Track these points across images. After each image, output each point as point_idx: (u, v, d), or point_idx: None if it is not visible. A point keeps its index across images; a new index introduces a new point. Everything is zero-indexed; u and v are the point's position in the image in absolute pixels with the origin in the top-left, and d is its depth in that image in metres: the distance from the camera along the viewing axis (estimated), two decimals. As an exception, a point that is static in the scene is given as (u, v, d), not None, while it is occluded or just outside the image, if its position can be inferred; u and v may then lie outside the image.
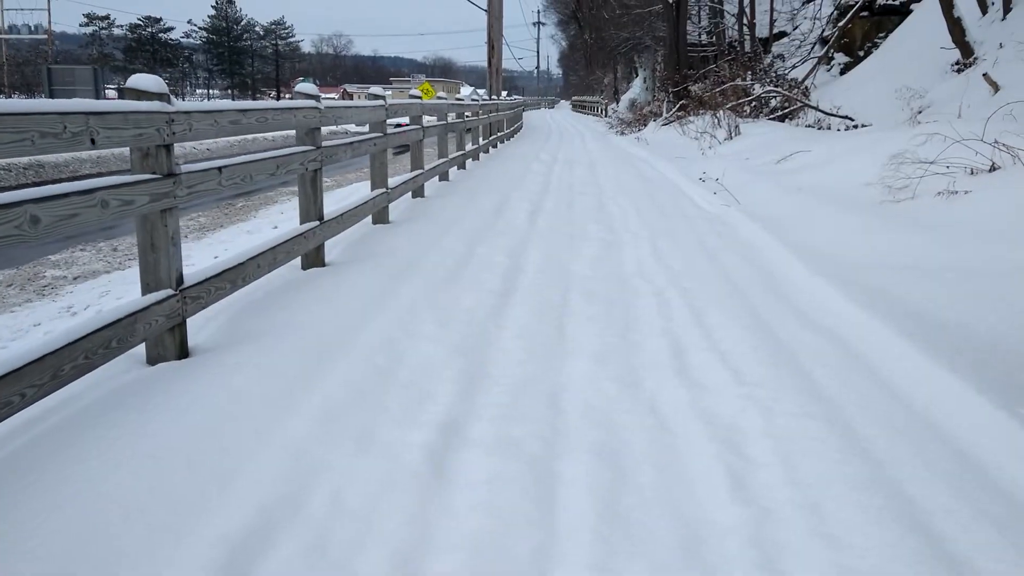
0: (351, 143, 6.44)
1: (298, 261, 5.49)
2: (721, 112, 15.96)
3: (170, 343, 3.69)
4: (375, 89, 7.46)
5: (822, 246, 5.68)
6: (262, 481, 2.45)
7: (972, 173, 6.22)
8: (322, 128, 5.61)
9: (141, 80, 3.58)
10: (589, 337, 4.09)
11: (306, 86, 5.49)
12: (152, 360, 3.68)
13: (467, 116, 14.55)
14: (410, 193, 9.26)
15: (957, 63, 15.62)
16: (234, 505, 2.31)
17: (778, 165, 9.64)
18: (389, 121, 7.62)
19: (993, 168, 6.14)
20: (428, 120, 10.25)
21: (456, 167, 13.01)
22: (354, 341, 3.82)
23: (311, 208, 5.56)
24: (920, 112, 15.24)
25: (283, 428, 2.83)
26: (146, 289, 3.64)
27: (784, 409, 3.03)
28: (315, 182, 5.55)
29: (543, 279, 5.36)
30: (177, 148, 3.75)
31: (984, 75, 13.05)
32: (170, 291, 3.62)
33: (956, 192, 5.98)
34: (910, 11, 21.68)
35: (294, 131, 5.49)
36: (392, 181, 8.48)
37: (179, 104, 3.65)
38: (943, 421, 2.93)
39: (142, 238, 3.63)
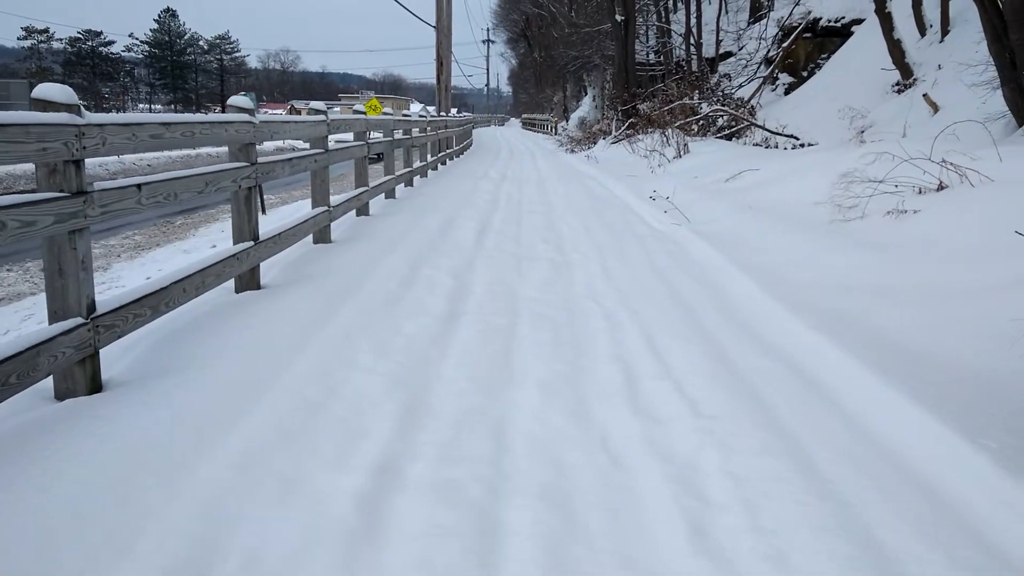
0: (289, 159, 6.15)
1: (231, 283, 5.19)
2: (670, 130, 16.02)
3: (80, 376, 3.36)
4: (316, 104, 7.19)
5: (775, 266, 5.57)
6: (166, 542, 2.16)
7: (920, 192, 6.20)
8: (265, 144, 5.32)
9: (48, 90, 3.27)
10: (537, 364, 3.88)
11: (239, 99, 5.20)
12: (60, 395, 3.35)
13: (415, 132, 14.32)
14: (354, 211, 8.99)
15: (897, 84, 15.95)
16: None
17: (728, 183, 9.61)
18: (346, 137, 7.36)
19: (941, 187, 6.12)
20: (374, 136, 9.99)
21: (403, 184, 12.76)
22: (284, 372, 3.54)
23: (245, 227, 5.25)
24: (863, 131, 15.47)
25: (196, 476, 2.54)
26: (53, 318, 3.32)
27: (744, 445, 2.85)
28: (249, 200, 5.25)
29: (489, 302, 5.13)
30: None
31: (924, 95, 13.32)
32: (80, 320, 3.30)
33: (905, 211, 5.94)
34: (851, 33, 22.18)
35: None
36: (335, 199, 8.20)
37: (90, 116, 3.34)
38: (909, 456, 2.77)
39: (48, 262, 3.31)
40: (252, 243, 5.21)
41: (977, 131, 10.13)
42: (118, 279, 8.69)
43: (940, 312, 4.19)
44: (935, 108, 12.94)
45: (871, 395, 3.20)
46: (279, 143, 33.68)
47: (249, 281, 5.27)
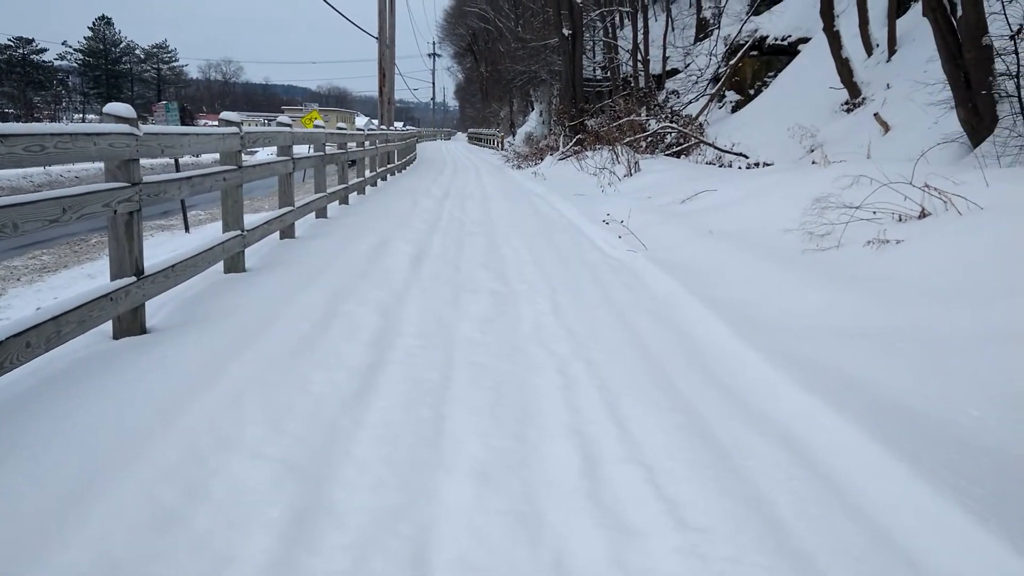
0: (189, 178, 5.27)
1: (108, 326, 4.29)
2: (619, 147, 15.46)
3: None
4: (228, 114, 6.32)
5: (748, 304, 4.89)
6: None
7: (901, 220, 5.62)
8: (202, 156, 4.45)
9: None
10: (473, 439, 3.09)
11: (116, 106, 4.32)
12: None
13: (352, 146, 13.45)
14: (278, 233, 8.10)
15: (846, 103, 15.69)
16: None
17: (684, 205, 8.98)
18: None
19: (923, 215, 5.54)
20: (299, 151, 9.14)
21: (338, 202, 11.89)
22: (136, 461, 2.68)
23: (126, 260, 4.36)
24: (813, 150, 15.16)
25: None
26: None
27: (749, 577, 2.11)
28: (131, 228, 4.36)
29: (420, 349, 4.34)
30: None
31: (875, 115, 12.99)
32: None
33: (887, 241, 5.33)
34: (798, 51, 22.06)
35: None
36: (253, 219, 7.32)
37: None
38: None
39: None
40: (134, 279, 4.32)
41: (933, 152, 9.76)
42: (7, 308, 7.65)
43: (946, 365, 3.55)
44: (886, 128, 12.62)
45: (897, 492, 2.49)
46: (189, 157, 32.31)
47: (130, 325, 4.38)
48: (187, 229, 12.32)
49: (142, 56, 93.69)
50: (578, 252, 7.44)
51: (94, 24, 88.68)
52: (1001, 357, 3.49)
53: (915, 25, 16.25)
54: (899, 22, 15.94)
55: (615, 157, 14.61)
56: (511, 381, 3.82)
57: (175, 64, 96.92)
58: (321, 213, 10.25)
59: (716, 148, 16.24)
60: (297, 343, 4.23)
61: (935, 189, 5.47)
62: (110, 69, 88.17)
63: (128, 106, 4.40)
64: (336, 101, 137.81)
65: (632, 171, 13.43)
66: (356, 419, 3.28)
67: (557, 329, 4.72)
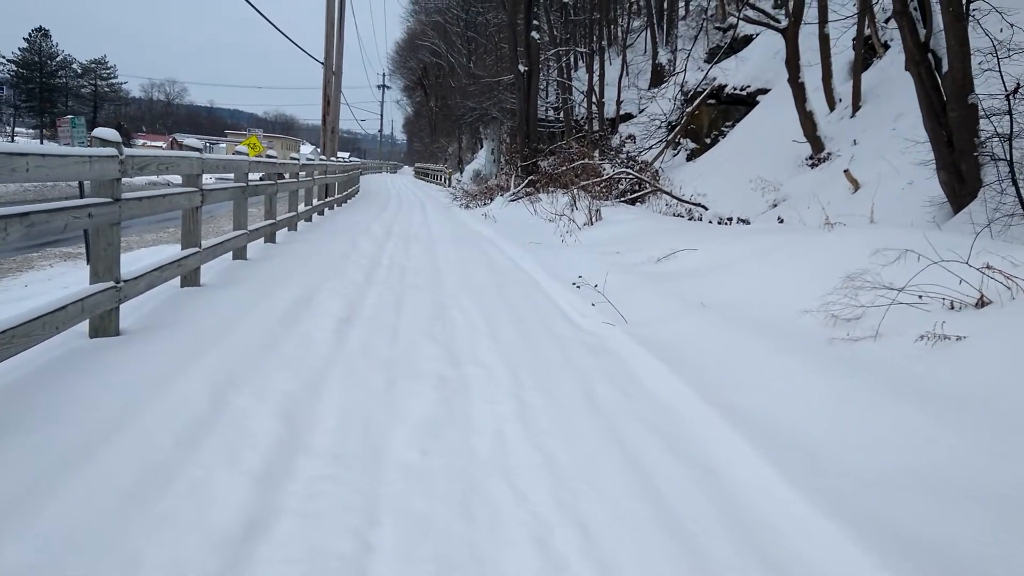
0: (24, 214, 3.80)
1: None
2: (576, 191, 14.34)
3: None
4: (103, 131, 4.88)
5: (779, 420, 3.64)
6: None
7: (954, 307, 4.48)
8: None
9: None
10: None
11: None
12: None
13: (285, 177, 12.03)
14: (179, 279, 6.63)
15: (810, 158, 14.99)
16: None
17: (660, 265, 7.79)
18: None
19: (982, 302, 4.41)
20: (209, 181, 7.71)
21: (263, 239, 10.42)
22: None
23: None
24: (776, 204, 14.35)
25: None
26: None
27: None
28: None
29: (331, 484, 2.96)
30: None
31: (845, 171, 12.18)
32: None
33: (946, 337, 4.17)
34: (757, 102, 21.51)
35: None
36: (151, 260, 5.87)
37: None
38: None
39: None
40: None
41: (909, 214, 8.89)
42: None
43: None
44: (856, 185, 11.83)
45: None
46: (152, 177, 30.00)
47: None
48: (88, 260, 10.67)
49: (79, 71, 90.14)
50: (542, 320, 6.14)
51: (30, 35, 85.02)
52: None
53: (880, 81, 15.70)
54: (863, 76, 15.39)
55: (573, 202, 13.46)
56: (464, 559, 2.47)
57: (114, 81, 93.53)
58: (240, 254, 8.78)
59: (675, 197, 15.27)
60: (144, 473, 2.81)
61: (1000, 272, 4.36)
62: (44, 83, 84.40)
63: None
64: (283, 128, 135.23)
65: (593, 219, 12.28)
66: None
67: (528, 452, 3.38)
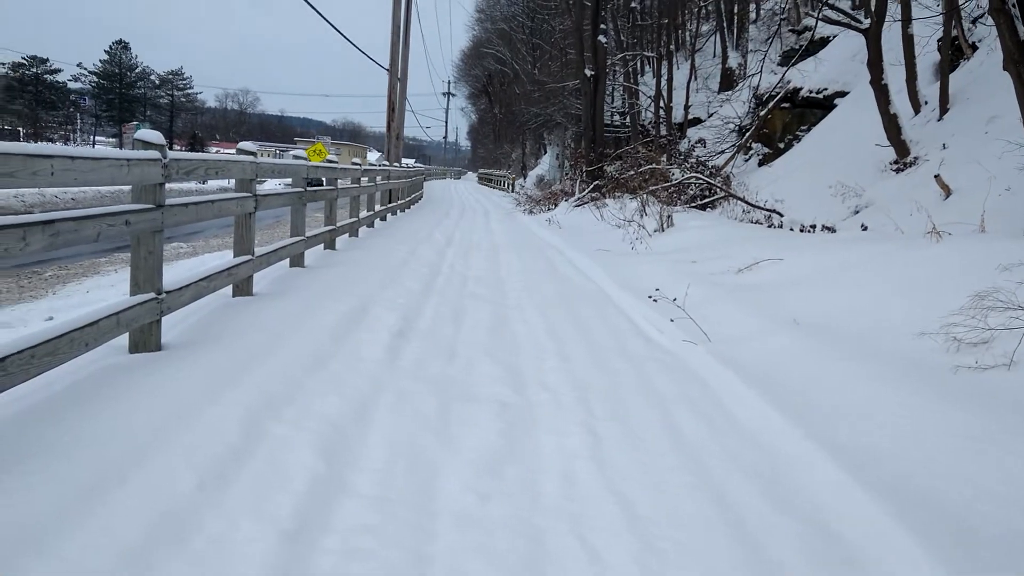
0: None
1: None
2: (645, 196, 13.74)
3: None
4: (145, 133, 4.55)
5: (900, 465, 3.04)
6: None
7: (1103, 332, 3.81)
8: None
9: None
10: None
11: None
12: None
13: (343, 183, 11.76)
14: (230, 288, 6.34)
15: (895, 162, 14.08)
16: None
17: (742, 276, 7.18)
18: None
19: None
20: (270, 187, 7.41)
21: (322, 245, 10.14)
22: None
23: None
24: (858, 211, 13.50)
25: None
26: None
27: None
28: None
29: (371, 542, 2.51)
30: None
31: (936, 177, 11.31)
32: None
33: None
34: (834, 105, 20.54)
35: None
36: (198, 269, 5.57)
37: None
38: None
39: None
40: None
41: (1011, 222, 8.09)
42: None
43: None
44: (947, 191, 10.96)
45: None
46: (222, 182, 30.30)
47: None
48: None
49: (157, 82, 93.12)
50: (614, 337, 5.61)
51: (111, 47, 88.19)
52: None
53: (969, 83, 14.70)
54: (951, 78, 14.42)
55: (643, 208, 12.86)
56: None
57: (190, 91, 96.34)
58: (297, 261, 8.49)
59: (747, 203, 14.55)
60: (153, 529, 2.40)
61: None
62: (124, 93, 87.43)
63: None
64: (350, 135, 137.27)
65: (664, 226, 11.66)
66: None
67: (603, 499, 2.88)
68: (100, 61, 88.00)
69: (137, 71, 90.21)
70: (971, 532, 2.50)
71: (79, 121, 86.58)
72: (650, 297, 6.03)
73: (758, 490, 2.96)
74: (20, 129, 71.25)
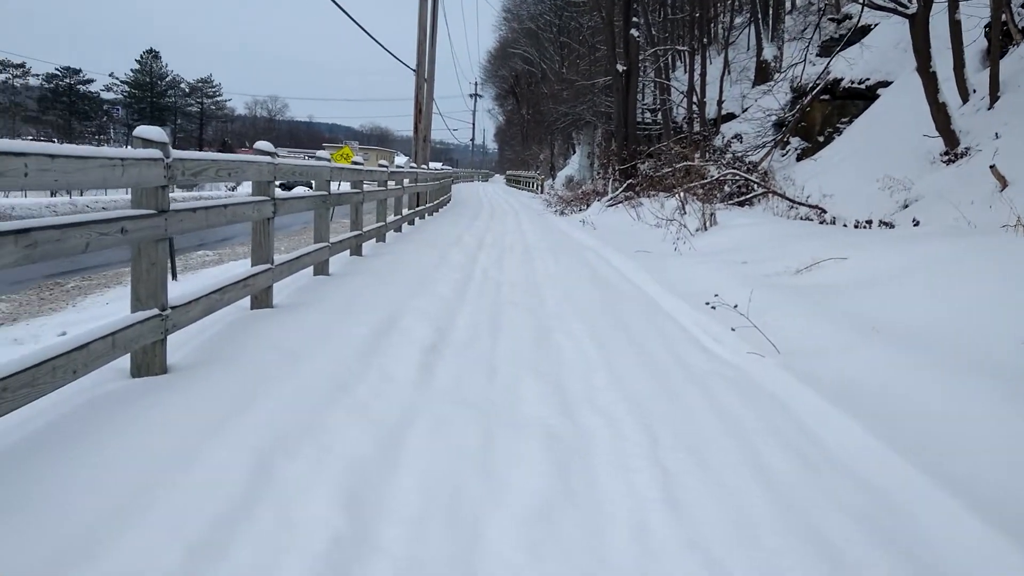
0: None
1: None
2: (683, 194, 13.12)
3: None
4: (145, 130, 4.08)
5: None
6: None
7: None
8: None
9: None
10: None
11: None
12: None
13: (369, 186, 11.30)
14: (248, 300, 5.87)
15: (945, 153, 13.30)
16: None
17: (801, 277, 6.55)
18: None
19: None
20: (308, 192, 6.94)
21: (348, 251, 9.68)
22: None
23: None
24: (907, 205, 12.75)
25: None
26: None
27: None
28: None
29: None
30: None
31: (991, 167, 10.56)
32: None
33: None
34: (877, 96, 19.71)
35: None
36: (208, 281, 5.09)
37: None
38: None
39: None
40: None
41: None
42: None
43: None
44: (1004, 183, 10.22)
45: None
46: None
47: None
48: (174, 275, 10.11)
49: (187, 90, 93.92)
50: (669, 348, 5.03)
51: (141, 57, 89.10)
52: None
53: (1019, 69, 13.89)
54: (1000, 64, 13.61)
55: (682, 206, 12.24)
56: None
57: (219, 99, 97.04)
58: (321, 268, 8.01)
59: (788, 199, 13.88)
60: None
61: None
62: (155, 102, 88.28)
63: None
64: (378, 140, 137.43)
65: (707, 224, 11.04)
66: None
67: (688, 564, 2.32)
68: (131, 71, 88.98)
69: (167, 80, 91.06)
70: None
71: (112, 131, 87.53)
72: (708, 304, 5.43)
73: (878, 548, 2.38)
74: (55, 140, 72.23)
